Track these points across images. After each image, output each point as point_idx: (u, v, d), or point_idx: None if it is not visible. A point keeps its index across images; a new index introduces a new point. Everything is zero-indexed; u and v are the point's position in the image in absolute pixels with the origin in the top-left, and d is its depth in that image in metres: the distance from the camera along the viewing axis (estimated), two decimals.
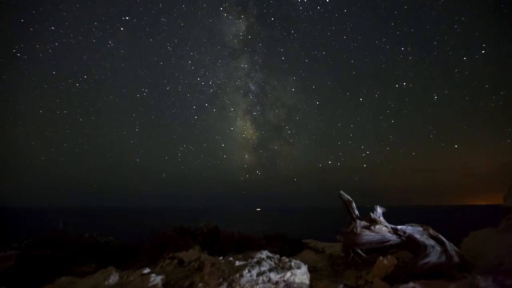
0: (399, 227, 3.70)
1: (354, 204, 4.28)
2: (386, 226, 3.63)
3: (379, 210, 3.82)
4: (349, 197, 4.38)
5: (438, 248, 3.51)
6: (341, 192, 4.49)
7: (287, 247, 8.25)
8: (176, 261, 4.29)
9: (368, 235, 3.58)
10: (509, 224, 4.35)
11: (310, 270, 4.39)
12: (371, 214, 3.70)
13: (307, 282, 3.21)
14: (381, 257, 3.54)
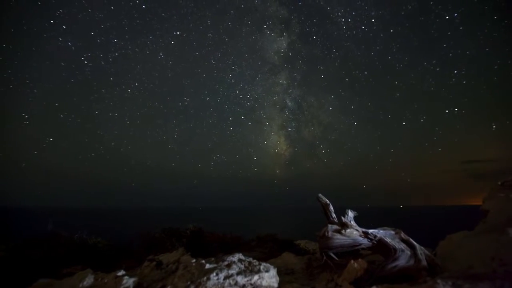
0: (370, 230, 3.74)
1: (331, 207, 4.32)
2: (357, 230, 3.67)
3: (351, 214, 3.86)
4: (326, 200, 4.42)
5: (408, 252, 3.55)
6: (319, 195, 4.54)
7: (275, 248, 8.32)
8: (154, 263, 4.36)
9: (339, 239, 3.62)
10: (484, 227, 4.36)
11: (287, 272, 4.45)
12: (342, 218, 3.75)
13: (275, 285, 3.26)
14: (352, 261, 3.59)
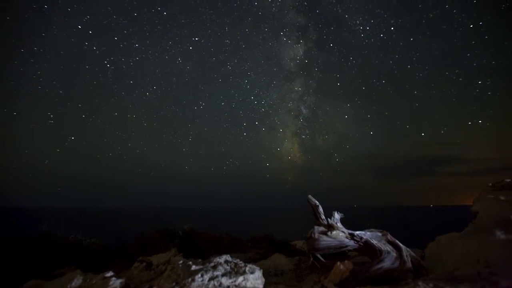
0: (356, 232, 3.76)
1: (321, 209, 4.34)
2: (343, 232, 3.69)
3: (337, 216, 3.88)
4: (316, 201, 4.44)
5: (393, 254, 3.56)
6: (309, 196, 4.56)
7: (270, 249, 8.33)
8: (144, 264, 4.40)
9: (325, 241, 3.64)
10: (473, 228, 4.37)
11: (276, 274, 4.48)
12: (329, 220, 3.77)
13: (260, 287, 3.29)
14: (338, 262, 3.61)
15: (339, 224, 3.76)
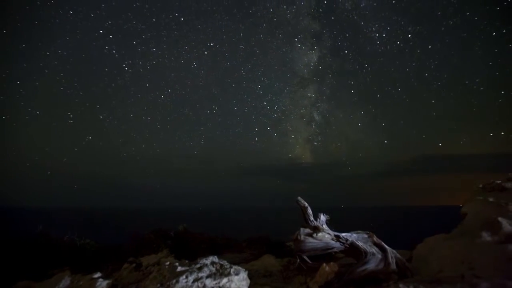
0: (342, 234, 3.78)
1: (309, 210, 4.36)
2: (329, 234, 3.71)
3: (323, 217, 3.90)
4: (305, 203, 4.46)
5: (378, 256, 3.58)
6: (299, 198, 4.57)
7: (265, 250, 8.36)
8: (134, 265, 4.44)
9: (311, 242, 3.66)
10: (460, 230, 4.38)
11: (265, 275, 4.50)
12: (314, 221, 3.79)
13: None
14: (324, 264, 3.63)
15: (324, 226, 3.79)
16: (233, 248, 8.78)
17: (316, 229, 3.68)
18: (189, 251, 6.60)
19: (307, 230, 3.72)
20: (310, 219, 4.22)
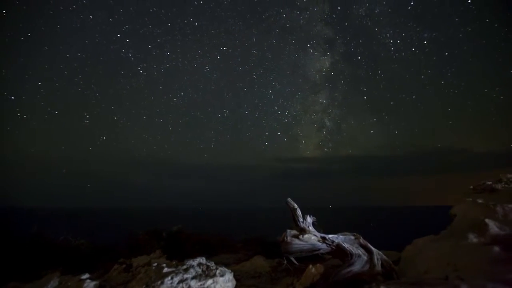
0: (329, 236, 3.80)
1: (299, 212, 4.38)
2: (315, 235, 3.73)
3: (309, 219, 3.92)
4: (295, 204, 4.48)
5: (364, 257, 3.60)
6: (289, 199, 4.60)
7: (259, 250, 8.38)
8: (124, 266, 4.49)
9: (298, 244, 3.69)
10: (449, 231, 4.39)
11: (254, 276, 4.53)
12: (301, 223, 3.81)
13: None
14: (310, 265, 3.65)
15: (311, 228, 3.81)
16: (228, 249, 8.80)
17: (303, 231, 3.70)
18: (183, 252, 6.63)
19: (294, 232, 3.74)
20: (298, 221, 4.25)
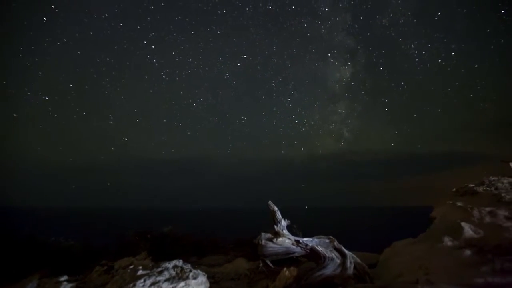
0: (303, 239, 3.83)
1: (278, 215, 4.41)
2: (289, 239, 3.77)
3: (283, 223, 3.95)
4: (275, 207, 4.52)
5: (337, 261, 3.63)
6: (270, 202, 4.63)
7: (250, 252, 8.42)
8: (105, 267, 4.55)
9: (272, 247, 3.72)
10: (427, 234, 4.39)
11: (234, 278, 4.58)
12: (275, 227, 3.85)
13: None
14: (284, 268, 3.69)
15: (285, 231, 3.84)
16: (219, 250, 8.86)
17: (277, 234, 3.74)
18: (169, 253, 6.68)
19: (268, 235, 3.78)
20: (275, 224, 4.28)
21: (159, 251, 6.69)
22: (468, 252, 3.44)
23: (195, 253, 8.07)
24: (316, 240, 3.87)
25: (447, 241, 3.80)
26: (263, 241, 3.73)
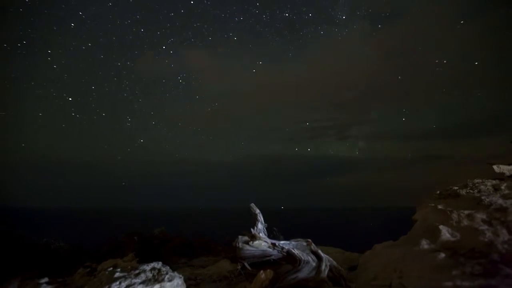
0: (280, 242, 3.85)
1: (259, 217, 4.44)
2: (266, 242, 3.79)
3: (260, 226, 3.98)
4: (256, 209, 4.55)
5: (313, 264, 3.65)
6: (252, 204, 4.67)
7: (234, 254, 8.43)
8: (88, 269, 4.61)
9: (249, 250, 3.75)
10: (407, 237, 4.40)
11: (216, 280, 4.62)
12: (252, 230, 3.87)
13: None
14: (261, 271, 3.71)
15: (261, 234, 3.87)
16: (209, 251, 8.90)
17: (253, 237, 3.76)
18: (157, 255, 6.73)
19: (245, 238, 3.81)
20: (256, 226, 4.31)
21: (147, 252, 6.74)
22: (442, 255, 3.44)
23: (186, 254, 8.13)
24: (293, 243, 3.90)
25: (424, 244, 3.80)
26: (240, 244, 3.76)
